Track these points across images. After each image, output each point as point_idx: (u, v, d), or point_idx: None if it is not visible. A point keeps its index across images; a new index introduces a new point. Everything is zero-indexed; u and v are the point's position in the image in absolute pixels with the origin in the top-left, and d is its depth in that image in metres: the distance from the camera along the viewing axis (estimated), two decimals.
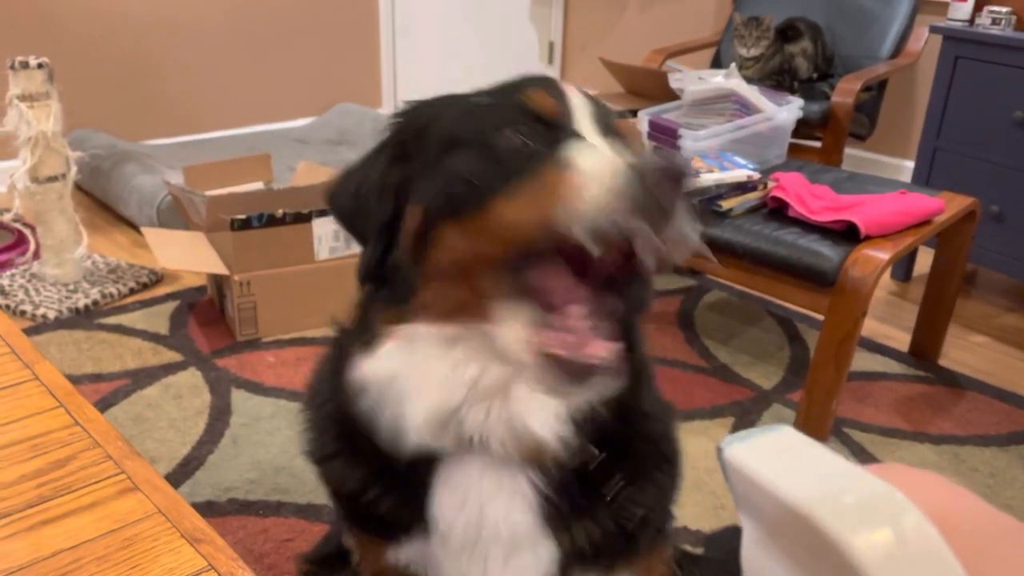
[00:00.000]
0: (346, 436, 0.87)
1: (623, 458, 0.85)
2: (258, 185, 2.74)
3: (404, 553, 0.89)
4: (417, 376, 0.77)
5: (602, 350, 0.70)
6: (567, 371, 0.70)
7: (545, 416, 0.76)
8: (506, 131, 0.75)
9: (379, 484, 0.86)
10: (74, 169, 2.55)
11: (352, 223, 0.90)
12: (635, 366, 0.80)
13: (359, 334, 0.82)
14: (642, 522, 0.87)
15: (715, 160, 2.22)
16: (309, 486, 1.82)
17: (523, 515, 0.81)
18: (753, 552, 0.38)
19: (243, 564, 0.69)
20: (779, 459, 0.36)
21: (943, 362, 2.39)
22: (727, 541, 1.69)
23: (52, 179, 2.50)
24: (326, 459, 0.93)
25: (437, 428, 0.77)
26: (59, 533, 0.72)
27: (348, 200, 0.88)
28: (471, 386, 0.75)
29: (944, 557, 0.30)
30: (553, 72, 5.06)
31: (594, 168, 0.68)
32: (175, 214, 2.81)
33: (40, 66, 2.42)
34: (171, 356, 2.31)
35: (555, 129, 0.76)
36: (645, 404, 0.88)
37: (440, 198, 0.77)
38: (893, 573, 0.29)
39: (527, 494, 0.81)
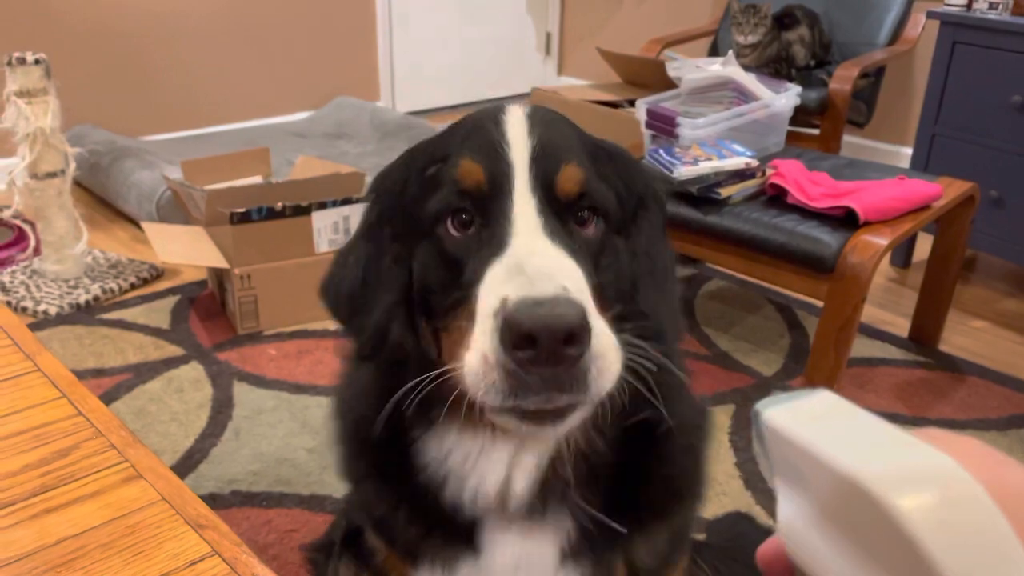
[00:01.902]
0: (385, 462, 0.88)
1: (649, 483, 0.87)
2: (257, 179, 2.75)
3: None
4: (480, 463, 0.81)
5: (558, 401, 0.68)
6: (520, 416, 0.70)
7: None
8: (447, 221, 0.75)
9: (413, 514, 0.88)
10: (73, 165, 2.56)
11: (358, 312, 0.84)
12: (658, 384, 0.79)
13: (418, 410, 0.82)
14: (664, 548, 0.91)
15: (713, 148, 2.22)
16: (312, 477, 1.83)
17: (548, 561, 0.85)
18: (792, 517, 0.37)
19: (247, 549, 0.69)
20: (821, 423, 0.35)
21: (943, 347, 2.39)
22: (729, 527, 1.70)
23: (51, 175, 2.50)
24: (361, 479, 0.94)
25: (495, 504, 0.83)
26: (63, 521, 0.72)
27: (350, 288, 0.84)
28: (523, 469, 0.81)
29: (995, 518, 0.29)
30: (551, 64, 5.05)
31: (484, 336, 0.66)
32: (175, 209, 2.81)
33: (37, 62, 2.42)
34: (173, 350, 2.31)
35: (490, 207, 0.74)
36: (675, 417, 0.86)
37: (423, 305, 0.78)
38: (942, 534, 0.29)
39: (551, 542, 0.85)
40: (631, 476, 0.85)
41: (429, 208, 0.76)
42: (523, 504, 0.83)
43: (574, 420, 0.71)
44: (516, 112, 0.79)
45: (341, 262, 0.85)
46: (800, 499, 0.36)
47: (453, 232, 0.75)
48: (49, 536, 0.71)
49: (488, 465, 0.81)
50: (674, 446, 0.88)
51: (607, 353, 0.67)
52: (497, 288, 0.67)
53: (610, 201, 0.79)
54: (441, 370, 0.73)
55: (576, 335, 0.63)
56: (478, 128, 0.78)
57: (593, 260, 0.76)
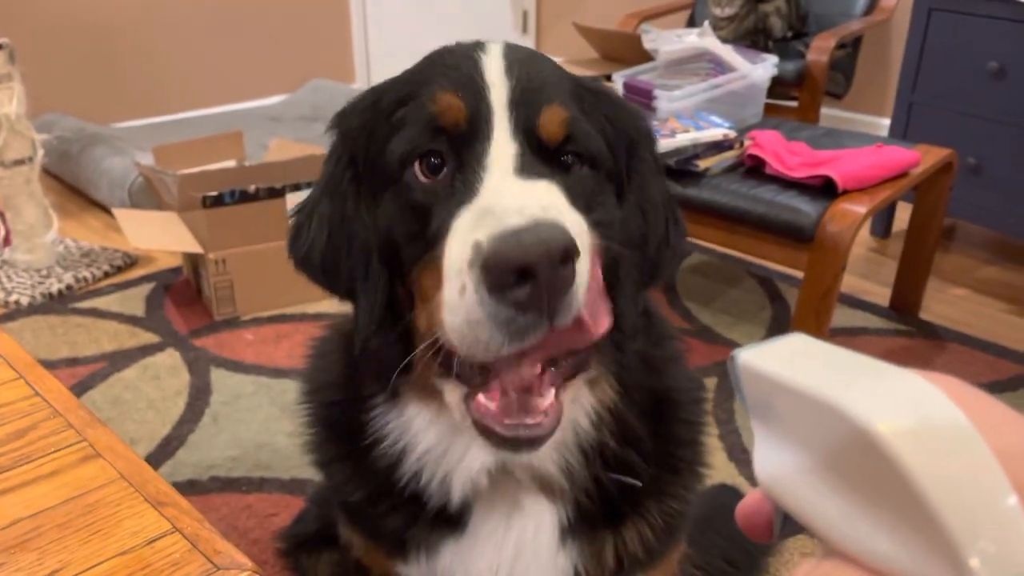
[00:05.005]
0: (357, 445, 0.84)
1: (647, 460, 0.83)
2: (230, 163, 2.70)
3: (410, 568, 0.87)
4: (444, 442, 0.78)
5: (534, 417, 0.66)
6: (497, 442, 0.68)
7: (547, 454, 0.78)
8: (415, 165, 0.69)
9: (390, 502, 0.83)
10: (41, 152, 2.50)
11: (333, 279, 0.78)
12: (647, 363, 0.78)
13: (377, 380, 0.79)
14: (662, 532, 0.87)
15: (691, 120, 2.20)
16: (292, 461, 1.80)
17: (546, 538, 0.82)
18: (770, 458, 0.36)
19: (208, 525, 0.67)
20: (797, 359, 0.35)
21: (924, 315, 2.39)
22: (711, 498, 1.69)
23: (19, 163, 2.45)
24: (332, 463, 0.90)
25: (467, 487, 0.79)
26: (18, 502, 0.70)
27: (321, 251, 0.77)
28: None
29: (972, 436, 0.29)
30: (528, 42, 5.01)
31: (458, 273, 0.61)
32: (147, 195, 2.77)
33: (0, 47, 2.36)
34: (148, 338, 2.28)
35: (466, 151, 0.68)
36: (673, 391, 0.86)
37: (389, 260, 0.73)
38: (921, 455, 0.28)
39: (550, 519, 0.82)
40: (629, 452, 0.82)
41: (396, 149, 0.70)
42: (524, 480, 0.79)
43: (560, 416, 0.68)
44: (493, 49, 0.73)
45: (304, 220, 0.79)
46: (778, 438, 0.36)
47: (422, 178, 0.69)
48: (3, 517, 0.68)
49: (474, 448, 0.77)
50: (673, 421, 0.86)
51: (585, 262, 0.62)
52: (465, 236, 0.61)
53: (598, 145, 0.73)
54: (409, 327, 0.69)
55: (568, 250, 0.57)
56: (453, 65, 0.72)
57: (583, 205, 0.69)
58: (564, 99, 0.71)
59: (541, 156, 0.68)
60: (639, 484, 0.80)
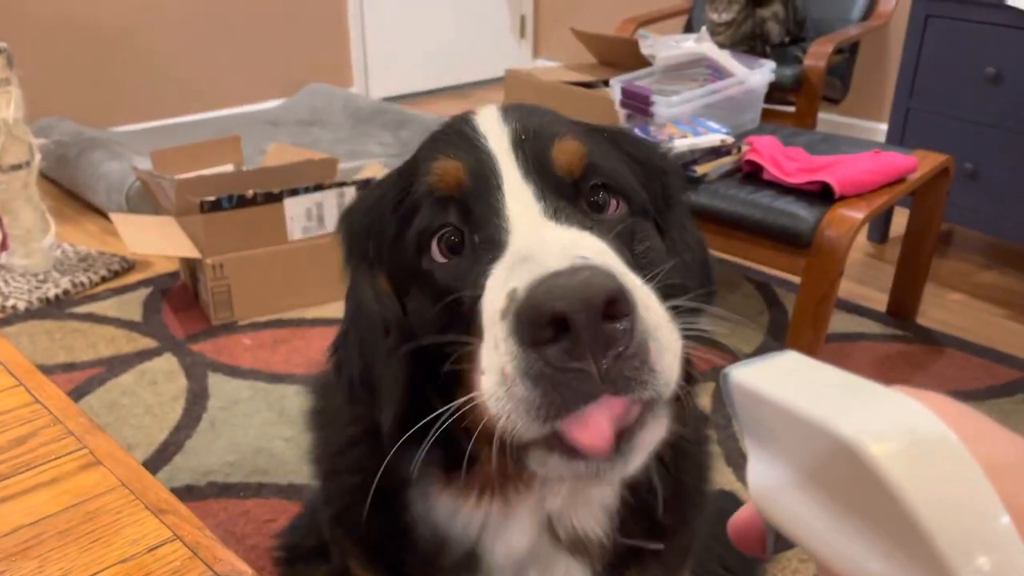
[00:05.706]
0: (388, 512, 0.78)
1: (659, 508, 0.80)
2: (228, 168, 2.70)
3: None
4: (486, 527, 0.73)
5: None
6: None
7: (594, 516, 0.73)
8: (433, 249, 0.62)
9: (420, 557, 0.79)
10: (38, 156, 2.50)
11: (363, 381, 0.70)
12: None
13: (406, 470, 0.70)
14: (674, 547, 0.85)
15: (688, 125, 2.20)
16: (289, 466, 1.80)
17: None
18: (763, 476, 0.36)
19: (209, 533, 0.67)
20: (790, 378, 0.35)
21: (921, 320, 2.40)
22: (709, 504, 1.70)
23: (16, 167, 2.45)
24: (369, 537, 0.83)
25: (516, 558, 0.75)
26: (19, 509, 0.70)
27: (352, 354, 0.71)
28: (537, 531, 0.73)
29: (964, 457, 0.29)
30: (526, 46, 5.02)
31: (494, 355, 0.52)
32: (145, 200, 2.77)
33: None
34: (145, 343, 2.27)
35: (479, 208, 0.61)
36: (686, 432, 0.81)
37: (426, 357, 0.64)
38: (913, 477, 0.28)
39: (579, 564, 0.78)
40: (647, 507, 0.79)
41: (409, 239, 0.63)
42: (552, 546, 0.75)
43: (648, 440, 0.56)
44: (487, 108, 0.68)
45: (344, 342, 0.73)
46: (771, 457, 0.36)
47: (441, 259, 0.62)
48: (4, 525, 0.68)
49: (515, 528, 0.72)
50: (683, 467, 0.82)
51: (662, 326, 0.53)
52: (500, 287, 0.53)
53: (627, 179, 0.66)
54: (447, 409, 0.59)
55: (616, 301, 0.48)
56: (442, 134, 0.67)
57: (625, 246, 0.62)
58: (575, 133, 0.65)
59: (565, 197, 0.61)
60: (660, 547, 0.78)
